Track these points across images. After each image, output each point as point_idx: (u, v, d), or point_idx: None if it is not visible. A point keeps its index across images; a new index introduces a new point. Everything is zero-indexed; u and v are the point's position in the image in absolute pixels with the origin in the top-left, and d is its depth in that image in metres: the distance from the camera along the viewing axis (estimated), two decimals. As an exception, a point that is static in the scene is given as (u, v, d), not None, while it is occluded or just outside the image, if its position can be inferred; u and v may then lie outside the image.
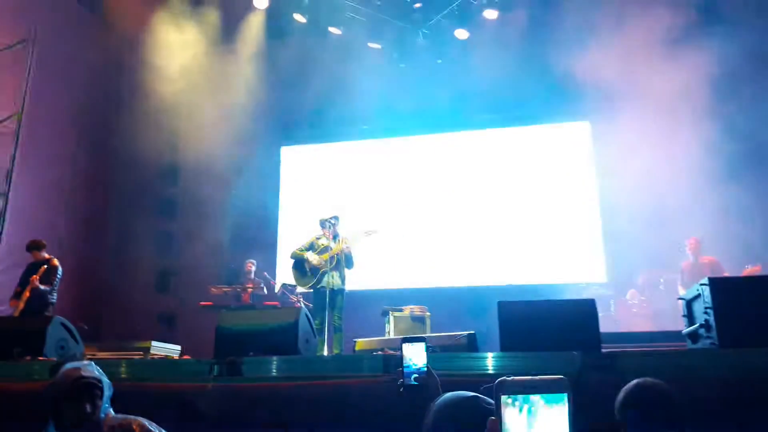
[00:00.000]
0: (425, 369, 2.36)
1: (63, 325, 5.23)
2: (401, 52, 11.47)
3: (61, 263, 7.79)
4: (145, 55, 10.26)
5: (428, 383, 2.35)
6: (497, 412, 0.68)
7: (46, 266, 7.54)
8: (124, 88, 10.86)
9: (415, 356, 2.37)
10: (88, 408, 2.69)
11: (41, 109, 9.44)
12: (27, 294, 7.42)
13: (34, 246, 7.82)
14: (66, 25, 10.11)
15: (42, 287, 7.45)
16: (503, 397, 0.69)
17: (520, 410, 0.69)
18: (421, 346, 2.37)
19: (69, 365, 2.95)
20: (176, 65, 10.25)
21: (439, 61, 11.39)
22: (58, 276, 7.71)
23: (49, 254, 7.86)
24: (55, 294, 7.71)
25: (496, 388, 0.69)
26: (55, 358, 4.63)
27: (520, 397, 0.69)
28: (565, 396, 0.70)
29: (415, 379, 2.34)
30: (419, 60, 11.42)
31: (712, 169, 8.94)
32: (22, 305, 7.39)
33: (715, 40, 9.21)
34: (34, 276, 7.44)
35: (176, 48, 10.32)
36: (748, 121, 9.58)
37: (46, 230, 8.78)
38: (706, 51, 9.09)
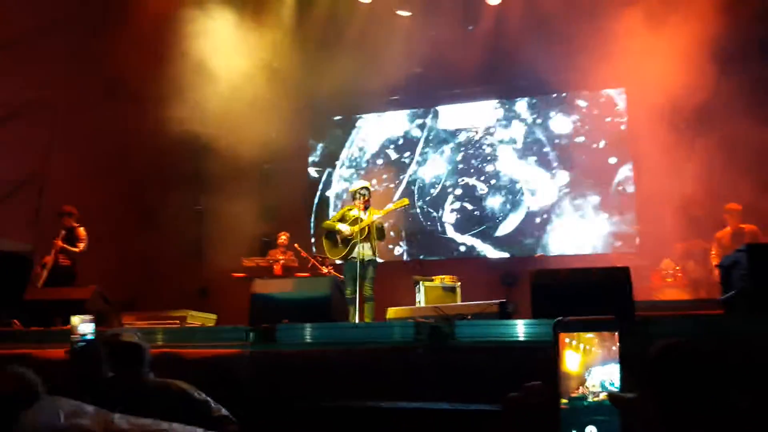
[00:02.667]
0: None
1: (101, 295, 5.38)
2: (430, 20, 11.28)
3: (97, 237, 7.98)
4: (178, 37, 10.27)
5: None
6: (556, 349, 0.74)
7: (64, 232, 7.74)
8: (153, 65, 10.91)
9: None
10: (129, 371, 2.78)
11: (77, 83, 9.58)
12: (51, 259, 7.62)
13: (62, 213, 8.01)
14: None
15: (69, 249, 7.66)
16: (563, 336, 0.75)
17: (575, 350, 0.76)
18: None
19: (109, 332, 3.05)
20: (204, 44, 10.25)
21: (471, 28, 11.19)
22: (84, 241, 7.90)
23: (79, 223, 8.05)
24: (78, 263, 7.92)
25: (555, 326, 0.74)
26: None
27: (575, 335, 0.75)
28: (616, 334, 0.76)
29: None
30: (449, 28, 11.23)
31: (753, 136, 8.69)
32: (45, 273, 7.60)
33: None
34: (57, 239, 7.64)
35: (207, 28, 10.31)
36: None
37: (84, 206, 8.95)
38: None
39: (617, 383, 0.74)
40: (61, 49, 9.46)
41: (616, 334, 0.75)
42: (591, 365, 0.74)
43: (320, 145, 12.44)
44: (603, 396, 0.74)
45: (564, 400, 0.75)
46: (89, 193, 9.49)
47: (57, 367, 3.94)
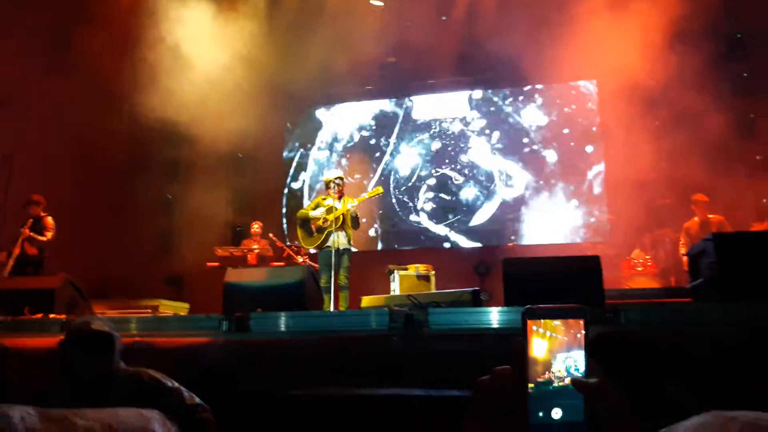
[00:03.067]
0: None
1: (72, 284, 5.30)
2: (404, 10, 11.27)
3: (69, 226, 7.86)
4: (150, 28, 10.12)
5: None
6: (524, 336, 0.78)
7: (31, 220, 7.64)
8: (128, 53, 10.74)
9: None
10: (100, 360, 2.75)
11: (49, 69, 9.40)
12: (17, 248, 7.52)
13: (29, 201, 7.88)
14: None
15: (37, 238, 7.56)
16: (531, 323, 0.78)
17: (543, 336, 0.79)
18: None
19: (79, 320, 3.01)
20: (179, 32, 10.11)
21: (444, 18, 11.20)
22: (51, 230, 7.79)
23: (46, 212, 7.93)
24: (45, 252, 7.82)
25: (523, 314, 0.77)
26: (65, 316, 4.70)
27: (542, 323, 0.78)
28: (582, 322, 0.79)
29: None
30: (423, 17, 11.23)
31: (719, 126, 8.88)
32: (11, 261, 7.49)
33: None
34: (24, 227, 7.53)
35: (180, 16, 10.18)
36: (760, 78, 9.50)
37: (54, 194, 8.80)
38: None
39: (582, 369, 0.78)
40: (35, 34, 9.26)
41: (582, 321, 0.79)
42: (557, 351, 0.78)
43: (295, 135, 12.37)
44: (568, 380, 0.78)
45: (531, 385, 0.78)
46: (60, 181, 9.34)
47: (32, 357, 3.89)
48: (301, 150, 12.24)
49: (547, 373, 0.78)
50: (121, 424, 0.74)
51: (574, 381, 0.78)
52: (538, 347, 0.78)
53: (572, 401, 0.78)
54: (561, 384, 0.78)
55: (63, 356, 2.83)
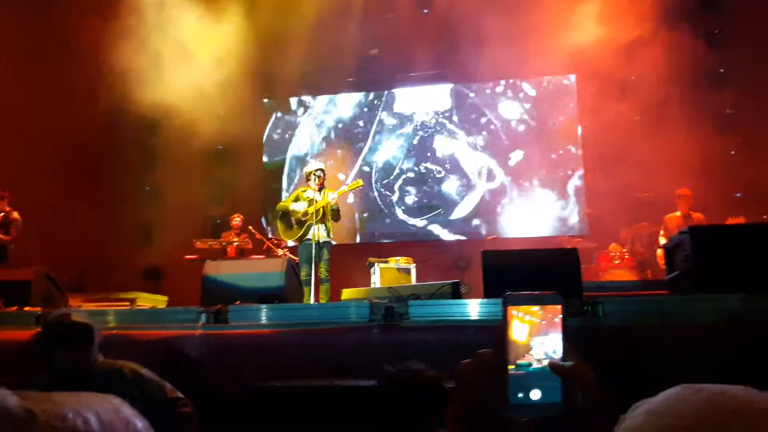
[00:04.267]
0: None
1: (47, 276, 5.23)
2: (386, 2, 11.26)
3: (44, 217, 7.77)
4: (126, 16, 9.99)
5: None
6: (504, 320, 0.82)
7: (2, 216, 7.54)
8: (106, 46, 10.61)
9: None
10: (79, 352, 2.72)
11: (26, 55, 9.26)
12: None
13: None
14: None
15: (2, 237, 7.48)
16: (510, 309, 0.81)
17: (522, 321, 0.82)
18: None
19: (57, 312, 2.97)
20: (155, 21, 10.00)
21: (426, 11, 11.21)
22: (18, 227, 7.70)
23: (11, 207, 7.83)
24: (12, 245, 7.72)
25: (503, 300, 0.82)
26: (40, 308, 4.65)
27: (522, 309, 0.82)
28: (559, 307, 0.83)
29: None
30: (405, 10, 11.22)
31: (696, 122, 9.00)
32: None
33: None
34: None
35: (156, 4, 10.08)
36: (736, 74, 9.65)
37: (27, 185, 8.66)
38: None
39: (559, 352, 0.83)
40: (13, 18, 9.09)
41: (560, 306, 0.83)
42: (535, 335, 0.83)
43: (275, 127, 12.29)
44: (545, 363, 0.82)
45: (511, 366, 0.82)
46: (35, 172, 9.20)
47: (7, 350, 3.84)
48: (281, 142, 12.18)
49: (526, 355, 0.82)
50: (92, 403, 0.74)
51: (551, 364, 0.82)
52: (517, 331, 0.82)
53: (550, 383, 0.81)
54: (539, 366, 0.82)
55: (40, 349, 2.80)
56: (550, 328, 0.82)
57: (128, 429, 0.75)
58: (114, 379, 2.73)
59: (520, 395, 0.81)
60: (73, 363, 2.71)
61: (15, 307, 4.57)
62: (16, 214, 7.76)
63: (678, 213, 8.12)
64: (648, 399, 0.69)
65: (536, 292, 0.83)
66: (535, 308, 0.82)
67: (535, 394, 0.81)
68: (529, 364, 0.81)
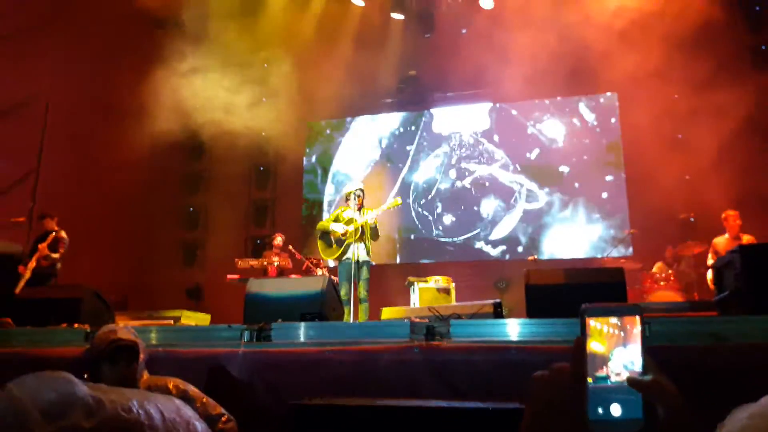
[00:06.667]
0: None
1: (96, 294, 5.35)
2: (425, 23, 11.34)
3: (91, 239, 8.03)
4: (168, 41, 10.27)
5: None
6: (583, 332, 0.80)
7: (53, 235, 7.84)
8: (146, 68, 10.92)
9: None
10: (126, 368, 2.77)
11: (71, 83, 9.58)
12: (33, 263, 7.72)
13: (44, 215, 8.14)
14: None
15: (51, 255, 7.76)
16: (588, 320, 0.80)
17: (601, 333, 0.81)
18: None
19: (105, 328, 3.04)
20: (201, 47, 10.26)
21: (464, 31, 11.24)
22: (65, 246, 8.01)
23: (60, 227, 8.14)
24: (59, 264, 8.01)
25: (581, 312, 0.81)
26: (89, 326, 4.75)
27: (600, 320, 0.81)
28: (638, 319, 0.81)
29: None
30: (443, 31, 11.29)
31: (746, 140, 8.77)
32: (28, 274, 7.69)
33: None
34: (42, 243, 7.74)
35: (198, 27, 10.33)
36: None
37: (76, 207, 8.92)
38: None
39: (639, 365, 0.81)
40: (56, 48, 9.44)
41: (637, 317, 0.82)
42: (614, 347, 0.81)
43: (314, 148, 12.44)
44: (624, 377, 0.81)
45: (589, 379, 0.81)
46: (82, 193, 9.47)
47: (57, 367, 3.93)
48: (321, 163, 12.30)
49: (604, 368, 0.80)
50: (157, 400, 0.77)
51: (630, 378, 0.80)
52: (595, 344, 0.81)
53: (631, 398, 0.80)
54: (618, 379, 0.80)
55: (88, 365, 2.86)
56: (629, 340, 0.81)
57: (188, 428, 0.77)
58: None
59: (600, 410, 0.79)
60: (120, 379, 2.77)
61: (65, 324, 4.68)
62: (63, 233, 8.07)
63: (726, 236, 7.90)
64: (746, 404, 0.67)
65: (614, 304, 0.82)
66: (614, 320, 0.81)
67: (616, 410, 0.79)
68: (607, 377, 0.80)
